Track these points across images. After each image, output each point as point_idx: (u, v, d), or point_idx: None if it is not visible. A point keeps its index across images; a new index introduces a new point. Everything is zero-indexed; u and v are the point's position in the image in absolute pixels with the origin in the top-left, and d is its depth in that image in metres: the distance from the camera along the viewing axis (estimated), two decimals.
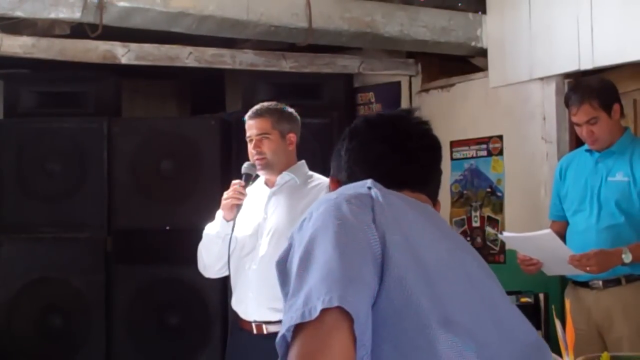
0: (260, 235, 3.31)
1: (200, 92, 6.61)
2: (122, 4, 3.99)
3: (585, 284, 3.69)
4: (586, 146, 3.76)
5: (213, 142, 4.88)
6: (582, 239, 3.65)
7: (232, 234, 3.27)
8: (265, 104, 3.43)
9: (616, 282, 3.62)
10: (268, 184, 3.40)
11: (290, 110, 3.43)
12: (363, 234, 1.37)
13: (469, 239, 4.92)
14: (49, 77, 5.14)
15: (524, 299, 4.09)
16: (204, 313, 4.79)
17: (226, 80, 6.39)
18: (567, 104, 3.73)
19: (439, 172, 1.64)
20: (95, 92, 5.11)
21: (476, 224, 4.97)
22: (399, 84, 5.46)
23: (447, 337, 1.31)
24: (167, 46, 4.72)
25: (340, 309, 1.25)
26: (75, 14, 3.98)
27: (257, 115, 3.35)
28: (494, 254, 4.84)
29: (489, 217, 4.91)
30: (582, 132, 3.69)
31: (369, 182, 1.48)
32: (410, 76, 5.42)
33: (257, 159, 3.31)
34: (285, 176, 3.37)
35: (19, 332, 4.84)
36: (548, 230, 3.56)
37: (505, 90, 4.82)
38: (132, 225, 4.87)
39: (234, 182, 3.31)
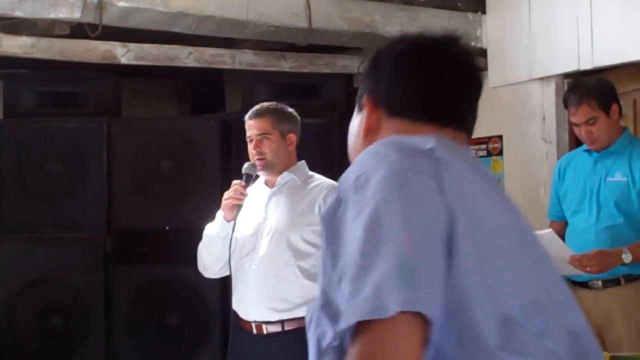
0: (261, 235, 3.31)
1: (200, 92, 6.61)
2: (121, 4, 3.99)
3: (584, 284, 3.69)
4: (585, 146, 3.77)
5: (213, 142, 4.87)
6: (581, 239, 3.65)
7: (232, 234, 3.27)
8: (266, 104, 3.43)
9: (615, 282, 3.63)
10: (268, 184, 3.41)
11: (291, 110, 3.43)
12: (432, 214, 1.23)
13: None
14: (49, 77, 5.14)
15: None
16: (204, 313, 4.79)
17: (226, 81, 6.39)
18: (566, 104, 3.74)
19: (477, 109, 1.52)
20: (95, 92, 5.10)
21: None
22: None
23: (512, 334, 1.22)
24: (166, 46, 4.72)
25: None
26: (75, 14, 3.98)
27: (258, 115, 3.35)
28: None
29: None
30: (580, 132, 3.69)
31: (432, 140, 1.34)
32: None
33: (258, 159, 3.31)
34: (285, 176, 3.37)
35: (18, 332, 4.84)
36: (549, 230, 3.56)
37: (505, 91, 4.82)
38: (132, 225, 4.87)
39: (234, 182, 3.31)
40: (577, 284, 3.72)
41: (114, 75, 5.17)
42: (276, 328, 3.26)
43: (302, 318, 3.25)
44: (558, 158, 4.29)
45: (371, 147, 1.36)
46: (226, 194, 3.29)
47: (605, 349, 3.41)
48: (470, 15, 4.96)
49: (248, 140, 3.36)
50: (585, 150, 3.77)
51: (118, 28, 4.17)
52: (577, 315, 1.37)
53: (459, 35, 1.52)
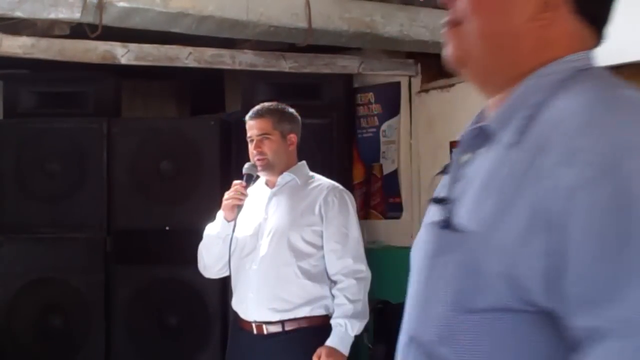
0: (261, 235, 3.31)
1: (200, 93, 6.61)
2: (121, 4, 3.99)
3: None
4: None
5: (213, 142, 4.88)
6: None
7: (232, 234, 3.27)
8: (266, 104, 3.42)
9: None
10: (269, 184, 3.40)
11: (291, 110, 3.43)
12: None
13: None
14: (49, 78, 5.14)
15: None
16: (204, 313, 4.79)
17: (226, 81, 6.39)
18: None
19: None
20: (94, 92, 5.11)
21: None
22: (398, 84, 5.46)
23: None
24: (166, 46, 4.72)
25: None
26: (75, 14, 3.97)
27: (258, 115, 3.34)
28: None
29: None
30: None
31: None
32: (410, 76, 5.42)
33: (258, 160, 3.31)
34: (286, 177, 3.37)
35: (18, 332, 4.84)
36: None
37: None
38: (132, 225, 4.87)
39: (235, 182, 3.31)
40: None
41: (114, 75, 5.18)
42: (276, 328, 3.26)
43: (303, 318, 3.27)
44: None
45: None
46: (227, 194, 3.29)
47: None
48: None
49: (249, 140, 3.36)
50: None
51: (118, 28, 4.17)
52: None
53: None
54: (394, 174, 5.43)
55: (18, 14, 3.95)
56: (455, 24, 1.12)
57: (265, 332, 3.27)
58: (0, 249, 4.85)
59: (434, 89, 5.30)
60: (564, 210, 0.98)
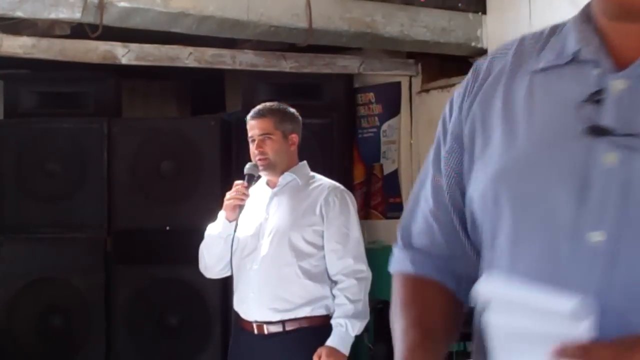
0: (262, 235, 3.31)
1: (200, 93, 6.61)
2: (122, 4, 3.99)
3: None
4: None
5: (213, 142, 4.88)
6: None
7: (234, 234, 3.27)
8: (268, 104, 3.42)
9: None
10: (270, 184, 3.40)
11: (292, 110, 3.43)
12: None
13: None
14: (49, 78, 5.14)
15: None
16: (204, 313, 4.79)
17: (226, 81, 6.39)
18: None
19: None
20: (95, 92, 5.11)
21: None
22: (399, 84, 5.46)
23: None
24: (167, 46, 4.72)
25: None
26: (75, 14, 3.98)
27: (260, 115, 3.34)
28: None
29: None
30: None
31: None
32: (411, 76, 5.42)
33: (259, 160, 3.31)
34: (287, 177, 3.36)
35: (19, 332, 4.84)
36: None
37: None
38: (132, 225, 4.88)
39: (236, 182, 3.31)
40: None
41: (114, 75, 5.18)
42: (277, 328, 3.26)
43: (303, 318, 3.27)
44: None
45: None
46: (228, 194, 3.28)
47: None
48: (470, 15, 4.95)
49: (250, 140, 3.35)
50: None
51: (118, 28, 4.17)
52: None
53: None
54: (395, 174, 5.43)
55: (18, 14, 3.95)
56: None
57: (265, 332, 3.27)
58: (0, 249, 4.85)
59: (434, 88, 5.30)
60: None
